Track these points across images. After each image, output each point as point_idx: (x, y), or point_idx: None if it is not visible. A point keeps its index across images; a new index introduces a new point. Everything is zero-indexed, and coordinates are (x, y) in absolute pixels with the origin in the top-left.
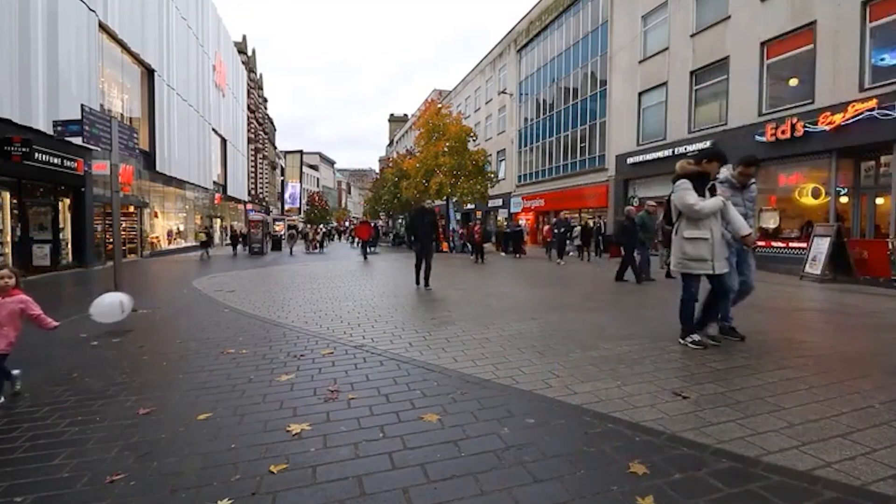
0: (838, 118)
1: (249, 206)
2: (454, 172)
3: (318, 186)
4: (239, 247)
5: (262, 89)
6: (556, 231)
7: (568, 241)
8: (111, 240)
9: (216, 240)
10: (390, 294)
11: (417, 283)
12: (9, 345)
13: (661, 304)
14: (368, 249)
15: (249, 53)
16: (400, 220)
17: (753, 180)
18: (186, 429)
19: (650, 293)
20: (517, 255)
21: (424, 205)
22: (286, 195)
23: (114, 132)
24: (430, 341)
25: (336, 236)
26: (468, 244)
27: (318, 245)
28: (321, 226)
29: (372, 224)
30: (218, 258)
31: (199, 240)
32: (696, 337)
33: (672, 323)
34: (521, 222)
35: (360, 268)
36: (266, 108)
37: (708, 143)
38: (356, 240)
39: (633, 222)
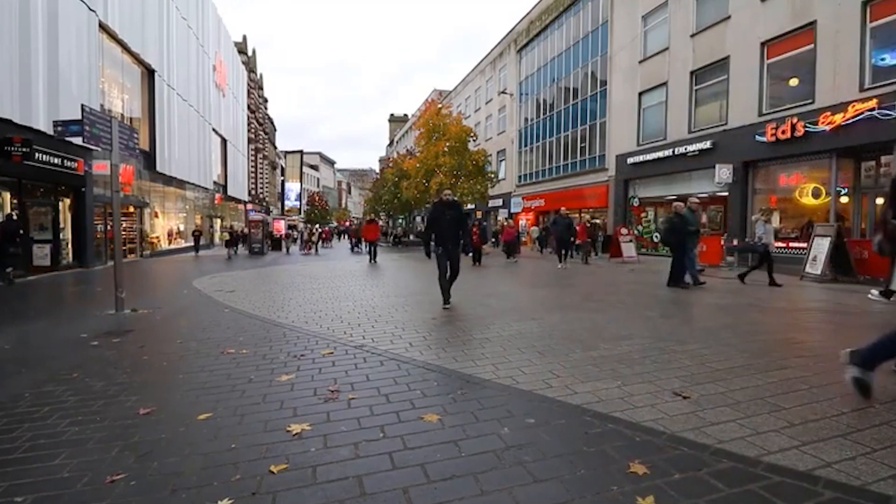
0: (838, 118)
1: (249, 206)
2: (454, 172)
3: (318, 186)
4: (239, 246)
5: (262, 89)
6: (556, 229)
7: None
8: (112, 239)
9: (217, 240)
10: (391, 294)
11: (447, 301)
12: None
13: (663, 304)
14: (367, 249)
15: (250, 53)
16: (400, 220)
17: None
18: (187, 429)
19: (653, 294)
20: (513, 257)
21: (445, 196)
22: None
23: (114, 132)
24: (431, 341)
25: (335, 237)
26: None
27: (312, 246)
28: (317, 225)
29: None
30: (217, 258)
31: (223, 239)
32: None
33: (673, 323)
34: (521, 223)
35: (361, 268)
36: (266, 109)
37: (708, 144)
38: (357, 241)
39: (682, 219)
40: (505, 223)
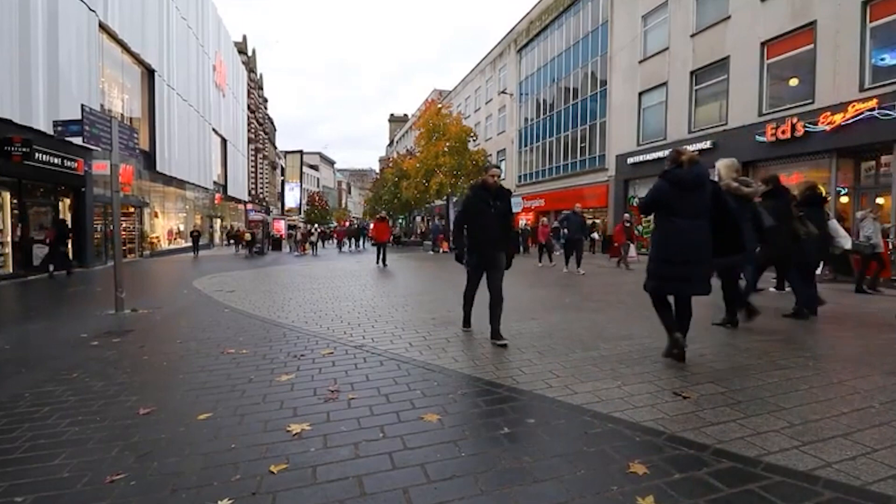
0: (838, 118)
1: (249, 206)
2: (454, 172)
3: (318, 186)
4: (248, 247)
5: (262, 89)
6: (564, 229)
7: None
8: (112, 238)
9: (216, 239)
10: (390, 294)
11: (467, 323)
12: None
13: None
14: (356, 247)
15: (249, 53)
16: (400, 220)
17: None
18: (187, 429)
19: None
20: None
21: (492, 178)
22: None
23: (114, 132)
24: (431, 341)
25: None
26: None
27: (311, 247)
28: (315, 225)
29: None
30: (218, 258)
31: (245, 239)
32: None
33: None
34: (521, 223)
35: (360, 268)
36: (266, 109)
37: (708, 144)
38: (347, 241)
39: None
40: (539, 223)
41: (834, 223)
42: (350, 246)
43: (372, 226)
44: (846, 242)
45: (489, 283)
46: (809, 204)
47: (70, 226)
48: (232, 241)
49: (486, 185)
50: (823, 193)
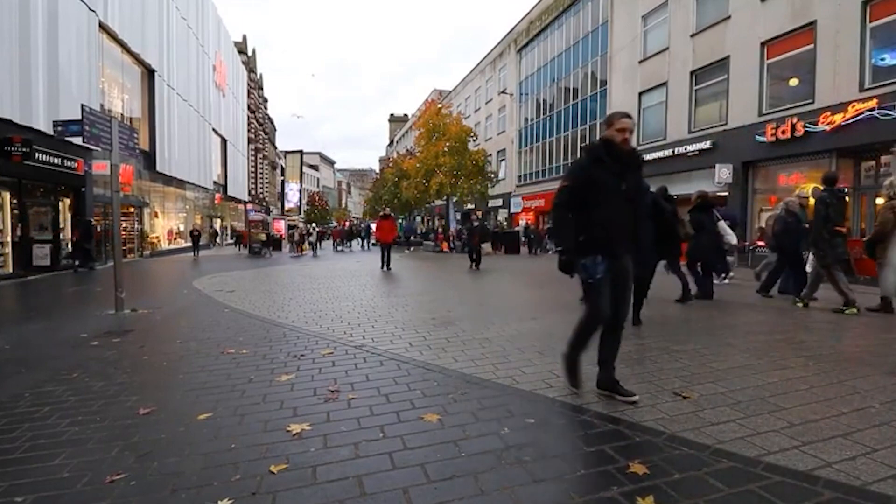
0: (838, 118)
1: (249, 206)
2: (454, 172)
3: (318, 186)
4: (263, 246)
5: (262, 89)
6: None
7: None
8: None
9: (218, 239)
10: (390, 294)
11: (576, 379)
12: None
13: (662, 304)
14: (360, 247)
15: (249, 53)
16: (401, 220)
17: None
18: (187, 429)
19: (651, 294)
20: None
21: (616, 134)
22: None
23: (114, 132)
24: (431, 341)
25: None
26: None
27: (312, 247)
28: (312, 225)
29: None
30: (218, 258)
31: (260, 239)
32: None
33: (673, 323)
34: (521, 223)
35: (360, 268)
36: (266, 109)
37: (708, 144)
38: (341, 241)
39: (797, 219)
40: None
41: (722, 224)
42: (344, 246)
43: (375, 225)
44: (732, 239)
45: (618, 297)
46: (700, 209)
47: (93, 225)
48: (233, 241)
49: (611, 145)
50: (712, 199)
